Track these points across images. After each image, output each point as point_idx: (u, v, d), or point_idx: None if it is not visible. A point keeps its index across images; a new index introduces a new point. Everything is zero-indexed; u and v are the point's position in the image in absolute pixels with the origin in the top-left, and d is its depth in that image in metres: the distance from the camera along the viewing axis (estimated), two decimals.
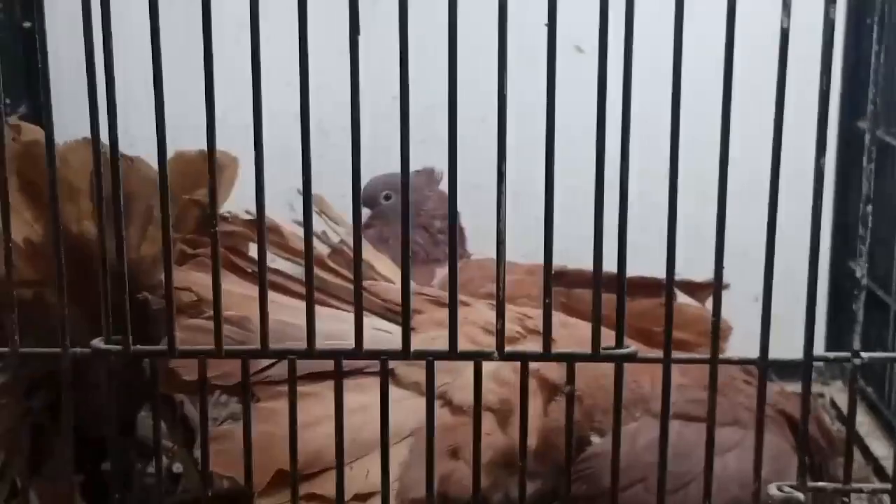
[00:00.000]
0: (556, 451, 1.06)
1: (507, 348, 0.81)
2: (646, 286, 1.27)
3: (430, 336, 1.00)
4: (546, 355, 0.81)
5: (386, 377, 0.82)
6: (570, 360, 0.81)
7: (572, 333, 1.03)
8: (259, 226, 0.79)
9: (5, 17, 1.57)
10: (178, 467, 1.33)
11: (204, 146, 1.14)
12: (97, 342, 0.81)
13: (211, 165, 0.78)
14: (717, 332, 0.79)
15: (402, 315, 0.80)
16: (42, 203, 1.11)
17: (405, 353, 0.81)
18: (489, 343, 0.86)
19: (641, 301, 1.20)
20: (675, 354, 0.82)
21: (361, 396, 0.95)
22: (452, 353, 0.81)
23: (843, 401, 1.75)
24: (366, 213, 1.63)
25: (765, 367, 0.80)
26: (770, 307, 0.78)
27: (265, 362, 0.97)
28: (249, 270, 1.10)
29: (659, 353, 0.82)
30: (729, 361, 0.81)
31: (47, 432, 1.19)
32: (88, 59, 0.76)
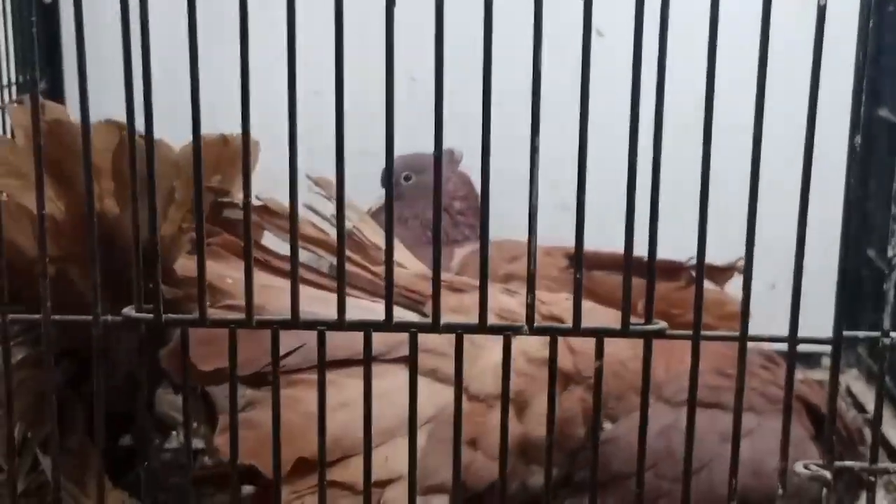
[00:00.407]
0: (569, 440, 1.07)
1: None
2: (664, 269, 1.28)
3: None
4: (576, 330, 0.81)
5: (415, 350, 0.82)
6: (600, 335, 0.82)
7: (592, 317, 1.04)
8: (291, 204, 0.80)
9: None
10: (197, 442, 1.34)
11: (223, 131, 1.15)
12: (128, 310, 0.81)
13: (245, 152, 0.78)
14: (746, 307, 0.80)
15: (433, 291, 0.81)
16: (65, 181, 1.12)
17: (435, 326, 0.81)
18: None
19: (660, 284, 1.21)
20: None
21: (381, 383, 0.96)
22: (482, 327, 0.81)
23: (858, 388, 1.76)
24: (384, 193, 1.64)
25: (794, 345, 0.80)
26: (801, 285, 0.79)
27: (284, 350, 0.98)
28: (263, 259, 1.10)
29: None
30: (759, 338, 0.82)
31: (67, 406, 1.20)
32: (125, 42, 0.76)
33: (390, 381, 1.01)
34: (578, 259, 0.80)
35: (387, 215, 0.82)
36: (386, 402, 0.94)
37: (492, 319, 1.05)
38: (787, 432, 0.82)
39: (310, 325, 0.81)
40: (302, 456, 0.96)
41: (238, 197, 1.12)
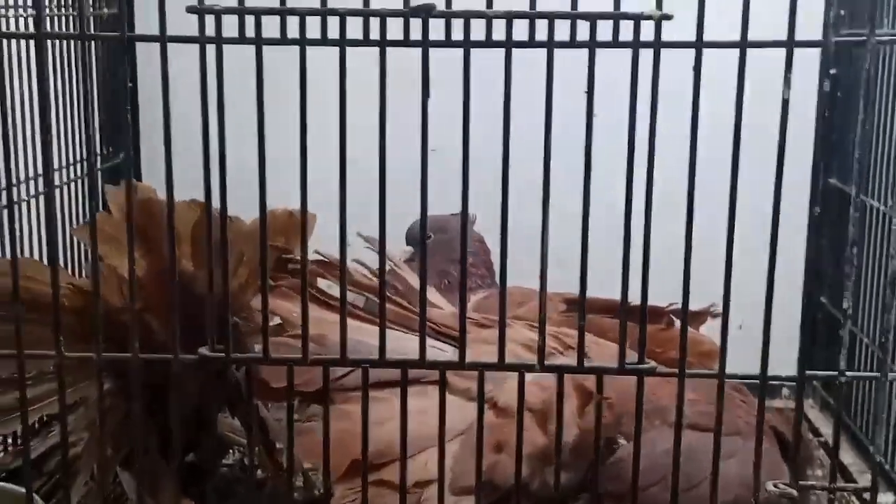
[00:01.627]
0: (590, 447, 1.08)
1: (546, 362, 0.83)
2: (649, 313, 1.28)
3: (475, 351, 1.02)
4: (580, 368, 0.83)
5: (444, 384, 0.84)
6: (599, 373, 0.83)
7: (602, 351, 1.05)
8: (341, 259, 0.82)
9: (115, 78, 1.62)
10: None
11: (287, 205, 1.20)
12: (203, 350, 0.83)
13: (303, 223, 0.80)
14: (724, 352, 0.81)
15: (460, 332, 0.83)
16: (148, 245, 1.17)
17: (461, 364, 0.83)
18: (528, 357, 0.88)
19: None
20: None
21: (421, 401, 0.97)
22: (501, 365, 0.83)
23: (813, 416, 1.76)
24: (409, 250, 1.66)
25: (764, 381, 0.82)
26: (769, 333, 0.80)
27: (341, 372, 1.00)
28: (321, 298, 1.13)
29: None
30: (734, 377, 0.83)
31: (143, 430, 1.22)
32: (204, 135, 0.79)
33: (429, 400, 1.02)
34: (581, 307, 0.82)
35: (420, 271, 0.84)
36: (426, 416, 0.96)
37: (519, 349, 1.08)
38: (760, 455, 0.83)
39: (356, 363, 0.83)
40: (355, 459, 0.96)
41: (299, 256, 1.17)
